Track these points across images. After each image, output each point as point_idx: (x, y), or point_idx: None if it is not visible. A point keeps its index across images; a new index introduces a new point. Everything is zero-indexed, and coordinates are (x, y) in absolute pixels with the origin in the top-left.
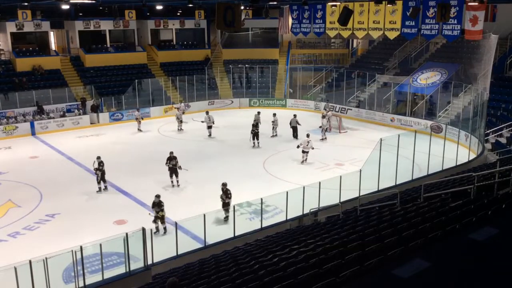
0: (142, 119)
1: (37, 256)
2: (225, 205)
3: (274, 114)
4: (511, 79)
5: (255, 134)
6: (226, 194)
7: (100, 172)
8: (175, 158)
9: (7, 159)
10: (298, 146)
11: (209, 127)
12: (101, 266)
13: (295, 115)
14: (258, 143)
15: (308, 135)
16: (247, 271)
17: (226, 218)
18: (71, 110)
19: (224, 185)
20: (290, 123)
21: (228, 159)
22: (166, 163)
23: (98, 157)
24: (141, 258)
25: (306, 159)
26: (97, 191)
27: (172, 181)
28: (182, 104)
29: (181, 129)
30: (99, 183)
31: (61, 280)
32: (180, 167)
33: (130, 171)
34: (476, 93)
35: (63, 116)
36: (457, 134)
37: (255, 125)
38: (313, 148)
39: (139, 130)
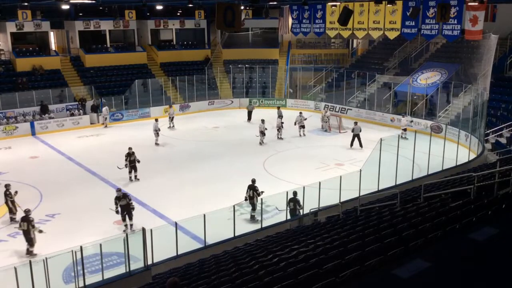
0: (172, 118)
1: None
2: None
3: (263, 121)
4: (511, 79)
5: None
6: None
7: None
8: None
9: (7, 159)
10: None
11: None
12: (101, 266)
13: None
14: (131, 225)
15: (403, 115)
16: (247, 271)
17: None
18: (72, 110)
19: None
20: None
21: (228, 159)
22: (246, 196)
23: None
24: (141, 258)
25: (405, 136)
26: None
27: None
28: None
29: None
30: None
31: (61, 280)
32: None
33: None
34: (476, 93)
35: (72, 115)
36: (457, 134)
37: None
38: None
39: (170, 127)
